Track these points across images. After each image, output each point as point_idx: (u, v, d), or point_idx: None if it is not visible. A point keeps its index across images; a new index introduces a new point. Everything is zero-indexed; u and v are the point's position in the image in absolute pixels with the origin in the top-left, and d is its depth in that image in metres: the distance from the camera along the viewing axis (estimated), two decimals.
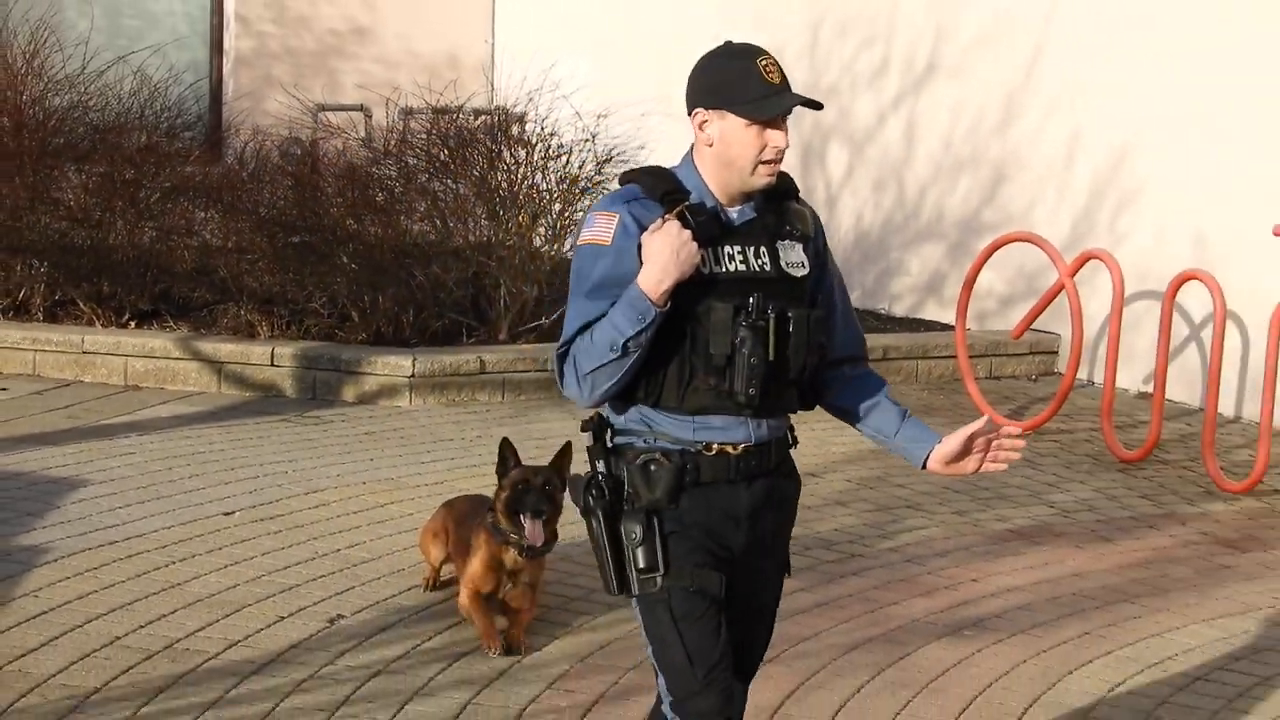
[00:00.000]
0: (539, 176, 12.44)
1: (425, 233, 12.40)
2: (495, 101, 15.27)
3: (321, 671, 6.76)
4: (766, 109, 4.40)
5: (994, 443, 4.63)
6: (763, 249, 4.54)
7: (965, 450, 4.62)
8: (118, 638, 6.96)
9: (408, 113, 14.30)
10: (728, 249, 4.48)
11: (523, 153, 12.48)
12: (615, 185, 12.53)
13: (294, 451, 9.91)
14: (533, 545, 6.99)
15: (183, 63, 16.71)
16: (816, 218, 4.73)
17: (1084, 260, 11.31)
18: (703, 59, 4.55)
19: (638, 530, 4.46)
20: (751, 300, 4.42)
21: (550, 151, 12.51)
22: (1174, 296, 10.64)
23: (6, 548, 7.95)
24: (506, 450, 7.14)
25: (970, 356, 11.84)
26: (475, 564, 7.08)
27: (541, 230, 12.46)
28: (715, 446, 4.50)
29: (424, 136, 12.97)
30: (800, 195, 4.73)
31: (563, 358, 4.50)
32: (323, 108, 16.17)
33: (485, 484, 7.32)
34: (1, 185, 12.01)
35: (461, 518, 7.47)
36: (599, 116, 12.95)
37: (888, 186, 14.25)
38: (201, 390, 11.31)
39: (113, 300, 12.12)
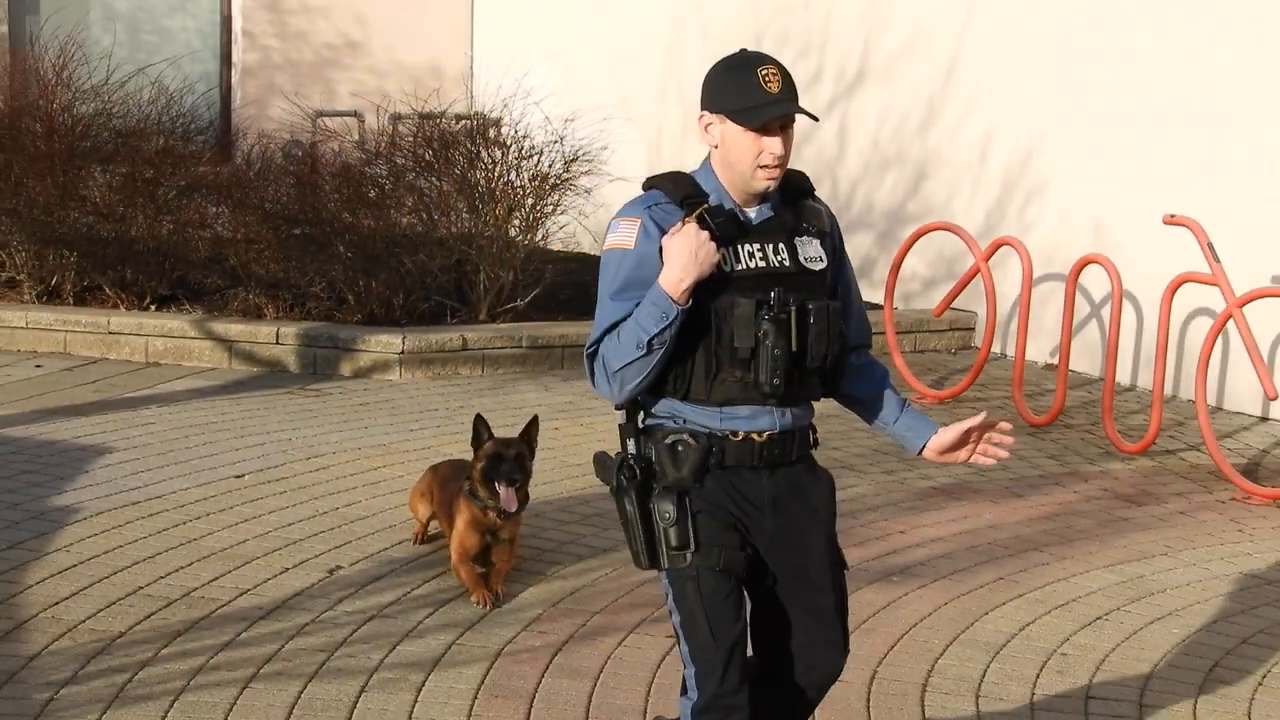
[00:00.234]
0: (513, 174, 12.42)
1: (413, 225, 12.38)
2: (474, 108, 15.22)
3: (322, 616, 6.76)
4: (756, 117, 4.29)
5: (987, 436, 4.55)
6: (781, 245, 4.41)
7: (961, 442, 4.54)
8: (140, 587, 6.96)
9: (396, 118, 14.26)
10: (747, 247, 4.35)
11: (499, 153, 12.46)
12: (583, 183, 12.67)
13: (297, 421, 9.89)
14: (507, 509, 7.01)
15: (195, 74, 16.68)
16: (832, 215, 4.61)
17: (996, 246, 11.33)
18: (713, 66, 4.46)
19: (670, 510, 4.32)
20: (773, 294, 4.30)
21: (523, 152, 12.49)
22: (1076, 278, 10.66)
23: (40, 508, 7.93)
24: (480, 425, 7.16)
25: (897, 332, 11.83)
26: (460, 528, 7.10)
27: (516, 222, 12.44)
28: (741, 433, 4.37)
29: (411, 139, 12.96)
30: (815, 192, 4.61)
31: (592, 357, 4.38)
32: (320, 113, 16.10)
33: (467, 450, 7.31)
34: (35, 184, 11.98)
35: (445, 480, 7.49)
36: (566, 120, 12.93)
37: (822, 182, 14.24)
38: (214, 366, 11.28)
39: (135, 286, 12.10)
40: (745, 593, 4.49)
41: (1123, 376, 11.65)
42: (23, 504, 7.98)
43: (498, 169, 12.39)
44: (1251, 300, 9.55)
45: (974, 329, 12.86)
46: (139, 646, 6.35)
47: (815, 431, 4.63)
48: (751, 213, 4.41)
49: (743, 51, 4.46)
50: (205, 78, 17.02)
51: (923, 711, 6.15)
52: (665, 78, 15.63)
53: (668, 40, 15.61)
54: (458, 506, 7.18)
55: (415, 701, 6.00)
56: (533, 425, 7.25)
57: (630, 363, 4.24)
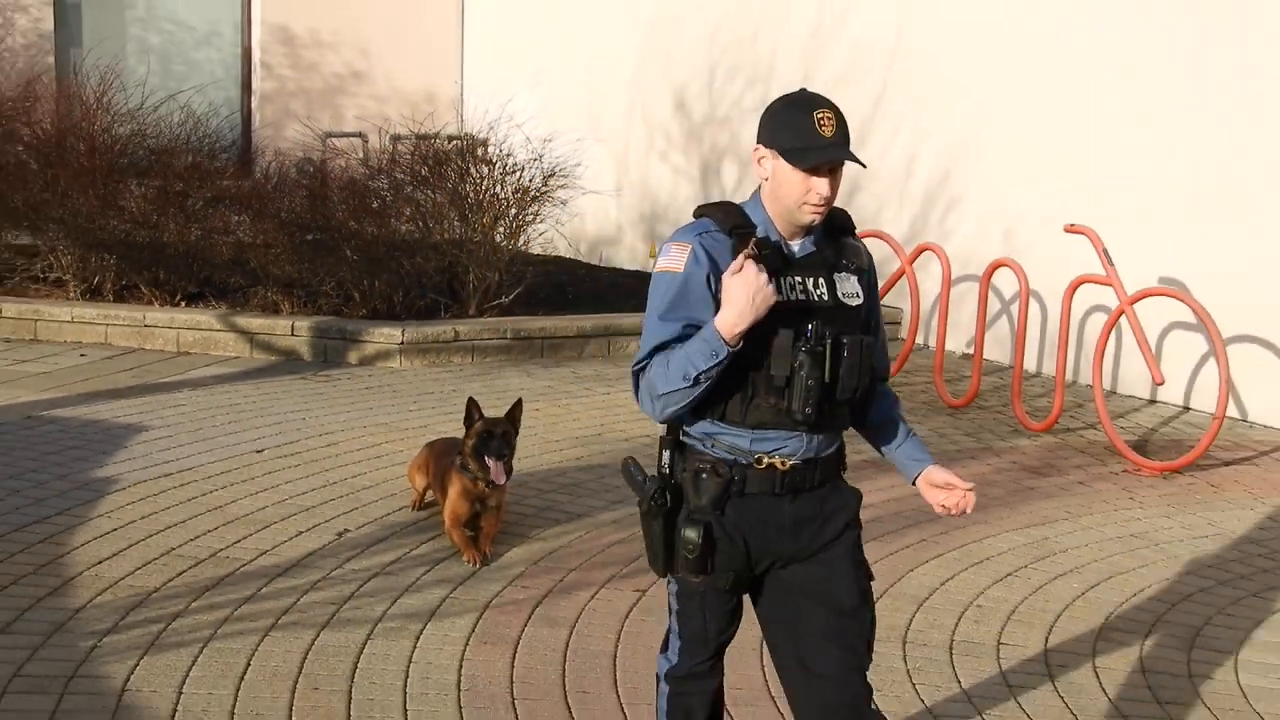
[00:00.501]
0: (499, 188, 12.39)
1: (411, 232, 12.35)
2: (464, 129, 15.21)
3: (332, 574, 6.74)
4: (806, 159, 3.95)
5: (959, 492, 4.32)
6: (821, 280, 4.07)
7: (945, 487, 4.34)
8: (172, 548, 6.93)
9: (396, 138, 14.22)
10: (789, 279, 4.01)
11: (486, 169, 12.44)
12: (559, 195, 12.65)
13: (310, 402, 9.85)
14: (496, 481, 7.00)
15: (219, 100, 16.66)
16: (869, 253, 4.29)
17: (920, 251, 11.35)
18: (773, 102, 4.11)
19: (695, 540, 4.03)
20: (810, 327, 3.98)
21: (507, 168, 12.46)
22: (989, 278, 10.68)
23: (85, 479, 7.90)
24: (471, 406, 7.17)
25: None
26: (453, 498, 7.11)
27: (501, 229, 12.41)
28: (765, 460, 4.06)
29: (409, 157, 12.91)
30: (855, 230, 4.31)
31: (638, 374, 4.06)
32: (329, 134, 16.09)
33: (459, 428, 7.31)
34: (79, 196, 11.94)
35: (439, 454, 7.49)
36: (544, 140, 12.91)
37: None
38: (237, 355, 11.24)
39: (167, 285, 12.06)
40: (743, 601, 4.29)
41: (1030, 364, 11.69)
42: (69, 475, 7.94)
43: (485, 183, 12.37)
44: (1141, 299, 9.58)
45: (900, 323, 12.87)
46: (171, 600, 6.33)
47: (843, 455, 4.34)
48: (795, 245, 4.09)
49: (802, 91, 4.11)
50: (228, 103, 16.99)
51: None
52: (631, 103, 15.62)
53: (633, 70, 15.60)
54: (450, 478, 7.17)
55: (414, 648, 5.99)
56: (517, 407, 7.27)
57: (675, 391, 3.94)
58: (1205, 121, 10.61)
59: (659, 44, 15.21)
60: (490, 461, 7.00)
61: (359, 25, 17.47)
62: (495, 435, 7.03)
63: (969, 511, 4.36)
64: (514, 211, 12.43)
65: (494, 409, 7.47)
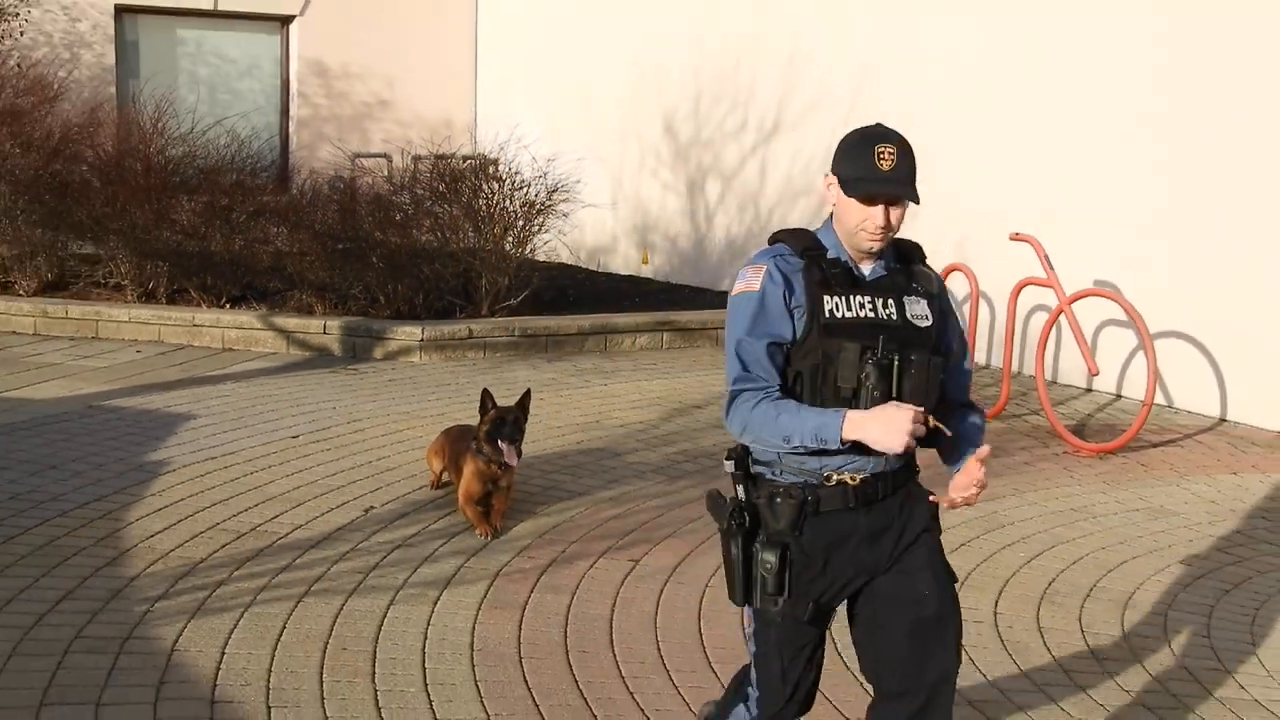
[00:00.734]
0: (508, 202, 12.35)
1: (430, 241, 12.31)
2: (477, 150, 15.16)
3: (359, 546, 6.69)
4: (858, 189, 3.71)
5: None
6: (890, 301, 3.82)
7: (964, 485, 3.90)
8: (217, 523, 6.88)
9: (417, 158, 14.17)
10: (858, 299, 3.78)
11: (496, 185, 12.40)
12: (562, 208, 12.61)
13: (340, 393, 9.80)
14: (507, 463, 6.95)
15: (261, 124, 16.62)
16: (940, 279, 4.01)
17: None
18: (848, 133, 3.83)
19: (772, 561, 3.75)
20: (875, 342, 3.71)
21: (515, 184, 12.43)
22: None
23: (139, 461, 7.84)
24: (486, 396, 7.12)
25: None
26: (468, 477, 7.06)
27: (510, 239, 12.36)
28: (835, 477, 3.77)
29: (428, 175, 12.88)
30: (926, 260, 4.04)
31: (733, 398, 3.76)
32: (358, 155, 16.05)
33: (473, 416, 7.27)
34: (136, 210, 11.90)
35: (455, 439, 7.44)
36: (548, 160, 12.90)
37: (748, 208, 14.19)
38: (276, 351, 11.18)
39: (214, 289, 12.01)
40: (824, 641, 3.96)
41: (980, 357, 11.64)
42: (125, 458, 7.88)
43: (496, 198, 12.33)
44: (1078, 299, 9.55)
45: None
46: (216, 570, 6.27)
47: (914, 464, 4.02)
48: (866, 269, 3.85)
49: (874, 125, 3.83)
50: (268, 127, 16.95)
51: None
52: (625, 126, 15.57)
53: (627, 97, 15.54)
54: (465, 460, 7.12)
55: (432, 612, 5.94)
56: (526, 396, 7.22)
57: (768, 439, 3.71)
58: (1136, 140, 10.58)
59: (650, 73, 15.15)
60: (503, 445, 6.96)
61: (385, 59, 17.43)
62: (508, 422, 7.00)
63: (964, 502, 3.92)
64: (521, 223, 12.39)
65: (505, 398, 7.42)
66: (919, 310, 3.85)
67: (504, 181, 12.43)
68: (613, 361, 11.36)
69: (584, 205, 13.72)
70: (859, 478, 3.80)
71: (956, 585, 3.99)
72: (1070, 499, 8.08)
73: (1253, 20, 9.87)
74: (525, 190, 12.42)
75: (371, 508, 7.29)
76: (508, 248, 12.33)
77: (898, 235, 3.91)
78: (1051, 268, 9.63)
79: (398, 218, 12.28)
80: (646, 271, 15.39)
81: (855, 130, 3.82)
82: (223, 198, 12.24)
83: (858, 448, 3.71)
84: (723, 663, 5.55)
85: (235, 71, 17.15)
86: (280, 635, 5.61)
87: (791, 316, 3.77)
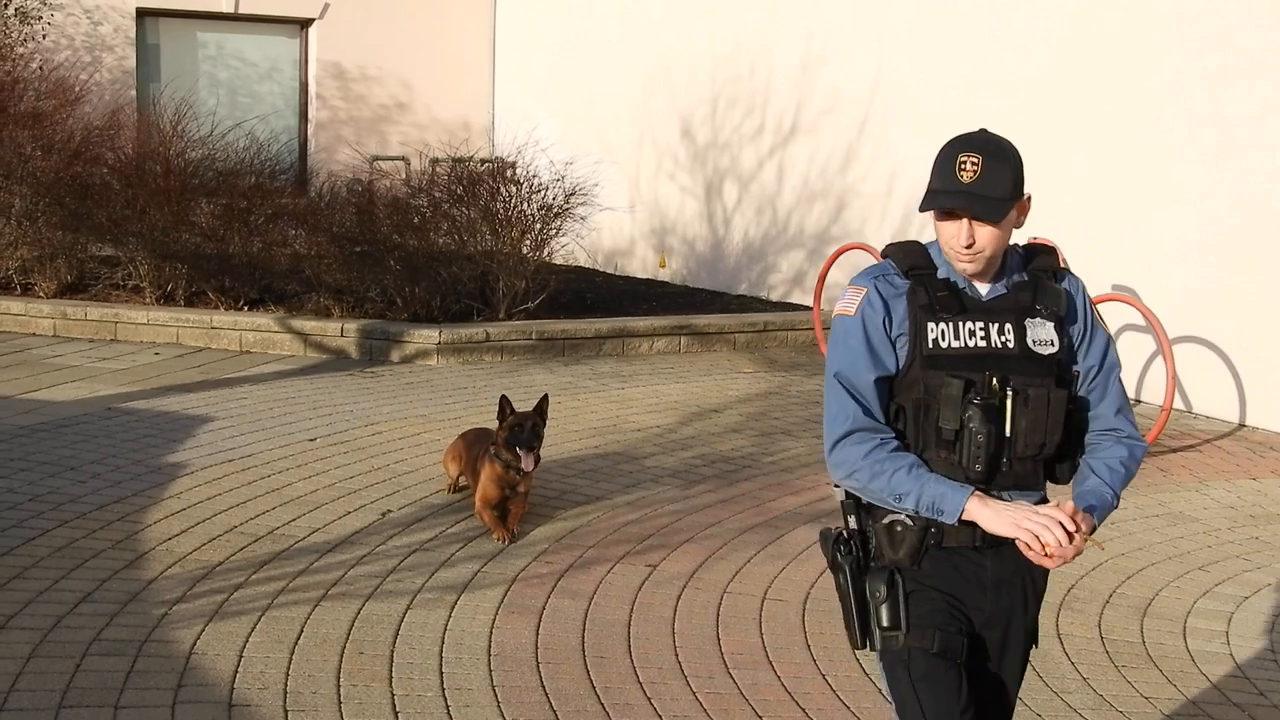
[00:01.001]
0: (525, 205, 12.33)
1: (447, 244, 12.29)
2: (495, 153, 15.16)
3: (376, 549, 6.67)
4: (932, 202, 3.39)
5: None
6: (1008, 326, 3.40)
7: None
8: (235, 526, 6.86)
9: (435, 161, 14.19)
10: (968, 325, 3.39)
11: (514, 189, 12.38)
12: (579, 212, 12.59)
13: (357, 396, 9.78)
14: (525, 469, 6.95)
15: (279, 127, 16.62)
16: (1072, 297, 3.52)
17: None
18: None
19: (882, 588, 3.40)
20: (983, 377, 3.35)
21: (533, 188, 12.40)
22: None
23: (157, 463, 7.83)
24: (504, 403, 7.12)
25: (823, 328, 11.78)
26: (485, 483, 7.04)
27: (527, 242, 12.34)
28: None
29: (446, 178, 12.87)
30: (1062, 275, 3.55)
31: (841, 437, 3.41)
32: (376, 158, 16.07)
33: (490, 419, 7.25)
34: (155, 212, 11.90)
35: (471, 443, 7.43)
36: (566, 163, 12.88)
37: (765, 211, 14.17)
38: (293, 354, 11.17)
39: (232, 291, 12.00)
40: (965, 675, 3.46)
41: None
42: (144, 460, 7.88)
43: (513, 201, 12.31)
44: (1098, 304, 9.46)
45: None
46: (234, 573, 6.26)
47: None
48: (983, 289, 3.45)
49: (974, 132, 3.47)
50: (287, 130, 16.95)
51: None
52: (641, 130, 15.55)
53: (642, 101, 15.52)
54: (482, 465, 7.11)
55: (449, 616, 5.92)
56: (544, 401, 7.20)
57: (876, 491, 3.38)
58: (1153, 144, 10.53)
59: (666, 77, 15.13)
60: (521, 451, 6.94)
61: (403, 62, 17.42)
62: (525, 428, 6.98)
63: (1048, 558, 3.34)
64: (539, 226, 12.37)
65: (522, 402, 7.42)
66: (1042, 335, 3.44)
67: (521, 185, 12.41)
68: (630, 365, 11.34)
69: (601, 209, 13.70)
70: None
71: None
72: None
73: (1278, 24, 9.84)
74: (543, 193, 12.41)
75: (389, 511, 7.27)
76: (525, 251, 12.31)
77: (1036, 242, 3.57)
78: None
79: (415, 221, 12.27)
80: (664, 275, 15.36)
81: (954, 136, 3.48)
82: (241, 200, 12.24)
83: (958, 479, 3.38)
84: (740, 668, 5.52)
85: (255, 74, 17.16)
86: (298, 639, 5.59)
87: (894, 346, 3.44)
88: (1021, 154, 3.44)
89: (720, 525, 7.24)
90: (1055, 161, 11.19)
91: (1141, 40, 10.67)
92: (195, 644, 5.47)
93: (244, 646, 5.48)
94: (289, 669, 5.32)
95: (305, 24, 17.18)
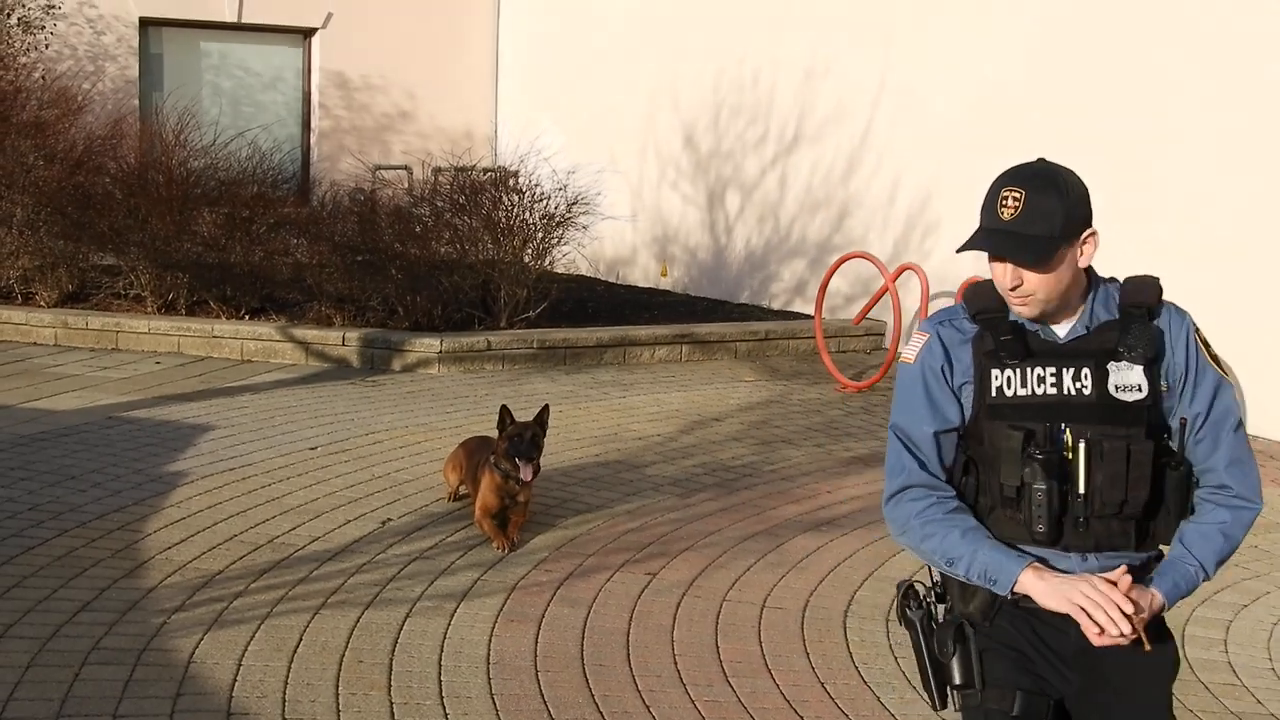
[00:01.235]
0: (527, 214, 12.34)
1: (449, 253, 12.30)
2: (497, 162, 15.18)
3: (376, 558, 6.68)
4: (967, 242, 3.14)
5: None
6: (1086, 371, 3.09)
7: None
8: (235, 535, 6.87)
9: (437, 170, 14.20)
10: (1038, 370, 3.10)
11: (516, 198, 12.39)
12: (581, 220, 12.61)
13: (358, 405, 9.79)
14: (525, 480, 6.97)
15: (282, 136, 16.65)
16: (1168, 334, 3.18)
17: (902, 270, 11.28)
18: None
19: (949, 643, 3.13)
20: (1044, 428, 3.07)
21: (535, 197, 12.41)
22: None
23: (157, 472, 7.84)
24: (504, 413, 7.12)
25: (825, 336, 11.78)
26: (485, 492, 7.05)
27: (529, 251, 12.35)
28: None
29: (448, 187, 12.89)
30: (1159, 312, 3.20)
31: (897, 492, 3.25)
32: (378, 167, 16.09)
33: (491, 428, 7.26)
34: (157, 222, 11.92)
35: (472, 452, 7.44)
36: (568, 173, 12.88)
37: (768, 220, 14.18)
38: (294, 363, 11.18)
39: (233, 300, 12.01)
40: None
41: None
42: (144, 469, 7.89)
43: (515, 210, 12.32)
44: None
45: (884, 334, 12.79)
46: (233, 581, 6.27)
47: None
48: (1060, 330, 3.16)
49: (1033, 162, 3.23)
50: (289, 139, 16.99)
51: (845, 632, 6.08)
52: (644, 139, 15.57)
53: (645, 110, 15.54)
54: (483, 474, 7.11)
55: (449, 625, 5.92)
56: (544, 411, 7.20)
57: (928, 553, 3.18)
58: (1156, 151, 10.54)
59: (669, 87, 15.16)
60: (521, 462, 6.95)
61: (406, 71, 17.46)
62: (525, 439, 6.99)
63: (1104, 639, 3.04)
64: (541, 235, 12.38)
65: (523, 411, 7.42)
66: (1128, 380, 3.11)
67: (524, 194, 12.42)
68: (631, 374, 11.34)
69: (603, 217, 13.72)
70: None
71: None
72: None
73: None
74: (545, 203, 12.42)
75: (389, 520, 7.27)
76: (527, 260, 12.32)
77: (1137, 276, 3.24)
78: None
79: (417, 230, 12.28)
80: (665, 284, 15.38)
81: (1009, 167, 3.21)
82: (244, 209, 12.26)
83: (1025, 540, 3.15)
84: (739, 677, 5.53)
85: (258, 84, 17.20)
86: (297, 647, 5.60)
87: (957, 395, 3.21)
88: (1085, 184, 3.20)
89: (720, 534, 7.25)
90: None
91: (1143, 44, 10.68)
92: (194, 653, 5.48)
93: (243, 655, 5.49)
94: (288, 677, 5.32)
95: (308, 33, 17.22)
